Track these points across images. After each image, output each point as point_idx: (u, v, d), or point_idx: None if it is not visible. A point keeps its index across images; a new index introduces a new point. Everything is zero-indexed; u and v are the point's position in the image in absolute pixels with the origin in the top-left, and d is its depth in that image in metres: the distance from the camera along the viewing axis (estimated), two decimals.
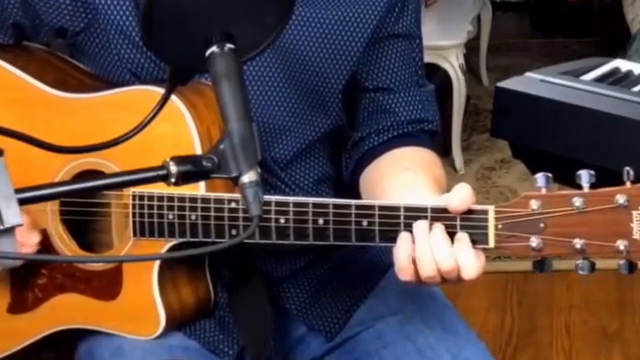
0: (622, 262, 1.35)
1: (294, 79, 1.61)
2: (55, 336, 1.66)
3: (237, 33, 1.18)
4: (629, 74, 1.90)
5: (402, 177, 1.57)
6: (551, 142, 1.75)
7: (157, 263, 1.55)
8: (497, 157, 4.35)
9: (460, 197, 1.38)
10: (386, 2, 1.63)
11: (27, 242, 1.56)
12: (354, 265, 1.72)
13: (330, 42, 1.61)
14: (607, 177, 1.70)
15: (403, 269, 1.40)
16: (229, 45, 1.18)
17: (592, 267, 1.36)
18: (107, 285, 1.59)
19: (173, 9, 1.16)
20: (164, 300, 1.56)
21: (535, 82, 1.82)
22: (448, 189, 1.43)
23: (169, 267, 1.56)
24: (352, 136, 1.69)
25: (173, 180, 1.15)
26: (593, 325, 3.17)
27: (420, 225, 1.39)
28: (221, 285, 1.64)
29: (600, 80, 1.85)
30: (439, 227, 1.38)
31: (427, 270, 1.38)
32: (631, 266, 1.35)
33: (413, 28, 1.68)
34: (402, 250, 1.40)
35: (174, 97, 1.48)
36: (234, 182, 1.16)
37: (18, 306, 1.66)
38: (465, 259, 1.37)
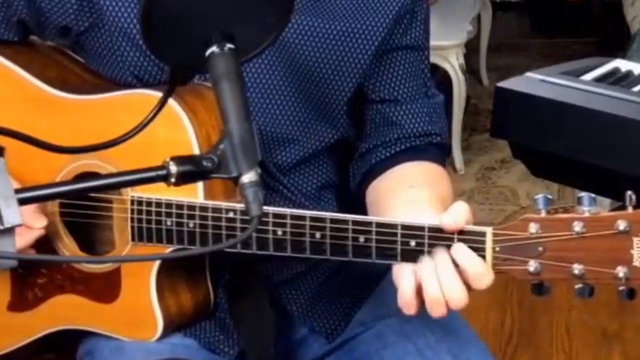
0: (621, 288, 1.31)
1: (300, 90, 1.60)
2: (55, 335, 1.66)
3: (237, 33, 1.18)
4: (629, 74, 1.90)
5: (407, 193, 1.54)
6: (551, 142, 1.75)
7: (155, 268, 1.54)
8: (497, 157, 4.35)
9: (454, 216, 1.36)
10: (394, 14, 1.62)
11: (33, 225, 1.54)
12: (355, 266, 1.71)
13: (337, 53, 1.60)
14: (606, 177, 1.70)
15: (407, 304, 1.38)
16: (229, 45, 1.18)
17: (592, 292, 1.33)
18: (105, 287, 1.59)
19: (173, 8, 1.16)
20: (161, 305, 1.56)
21: (535, 82, 1.82)
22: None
23: (168, 271, 1.55)
24: (359, 147, 1.67)
25: (173, 180, 1.15)
26: (593, 326, 3.17)
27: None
28: (221, 288, 1.64)
29: (600, 80, 1.85)
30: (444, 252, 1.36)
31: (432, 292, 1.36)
32: (631, 293, 1.32)
33: (421, 39, 1.68)
34: (406, 283, 1.37)
35: (173, 102, 1.48)
36: (234, 182, 1.16)
37: (18, 304, 1.66)
38: (473, 268, 1.36)
